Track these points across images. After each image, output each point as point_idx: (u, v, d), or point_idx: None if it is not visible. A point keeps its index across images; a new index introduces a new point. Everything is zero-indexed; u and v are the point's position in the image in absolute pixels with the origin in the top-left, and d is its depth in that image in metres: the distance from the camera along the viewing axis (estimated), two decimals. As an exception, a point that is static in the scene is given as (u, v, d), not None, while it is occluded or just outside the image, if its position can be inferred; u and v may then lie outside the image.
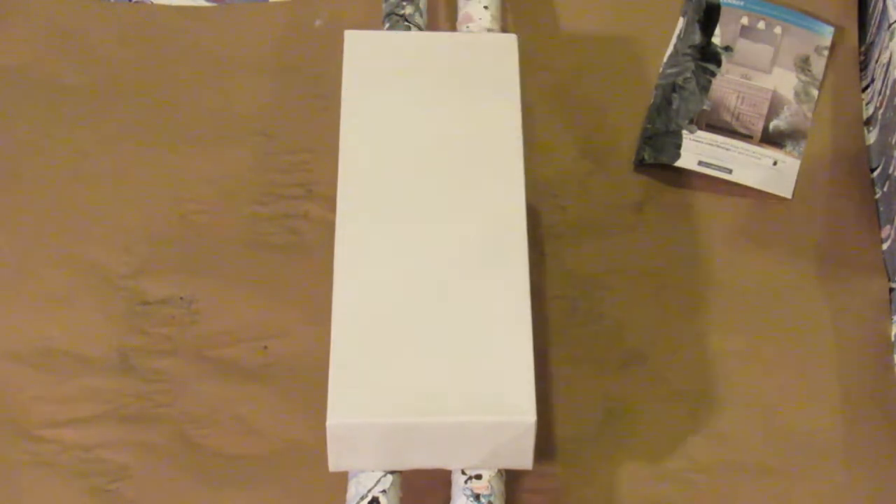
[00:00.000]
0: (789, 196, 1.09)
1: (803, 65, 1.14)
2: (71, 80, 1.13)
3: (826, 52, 1.15)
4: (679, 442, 0.98)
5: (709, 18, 1.16)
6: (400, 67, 1.00)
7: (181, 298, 1.03)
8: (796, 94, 1.13)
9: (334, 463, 0.88)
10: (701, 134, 1.11)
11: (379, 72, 0.99)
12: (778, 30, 1.16)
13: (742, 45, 1.15)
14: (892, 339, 1.03)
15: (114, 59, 1.14)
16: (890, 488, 0.96)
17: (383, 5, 1.09)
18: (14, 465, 0.96)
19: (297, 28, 1.16)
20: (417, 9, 1.08)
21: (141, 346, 1.01)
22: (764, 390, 1.00)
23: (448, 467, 0.89)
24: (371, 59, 1.00)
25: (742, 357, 1.02)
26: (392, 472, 0.89)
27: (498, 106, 0.98)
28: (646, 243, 1.07)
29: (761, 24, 1.16)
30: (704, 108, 1.12)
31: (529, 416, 0.86)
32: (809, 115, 1.12)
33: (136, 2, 1.17)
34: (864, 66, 1.16)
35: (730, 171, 1.09)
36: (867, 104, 1.14)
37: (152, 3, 1.18)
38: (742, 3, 1.17)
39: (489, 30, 1.07)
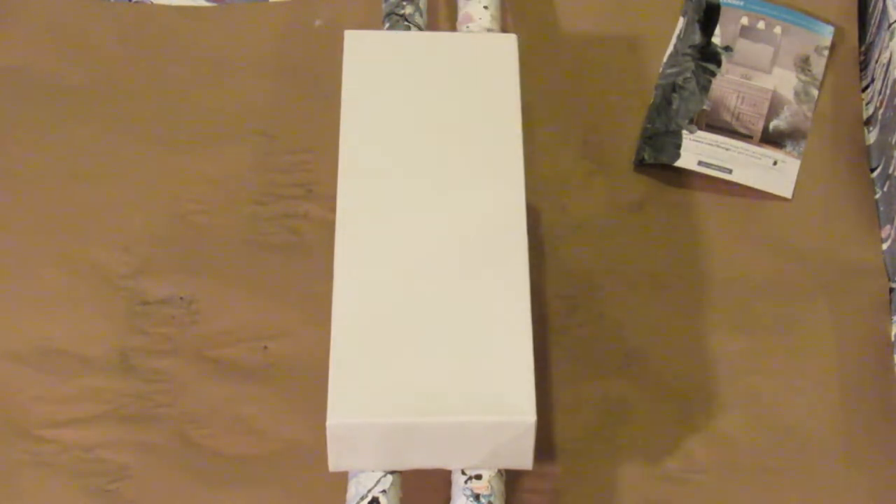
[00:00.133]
0: (789, 196, 1.09)
1: (803, 65, 1.14)
2: (71, 80, 1.13)
3: (826, 52, 1.15)
4: (679, 442, 0.98)
5: (709, 18, 1.16)
6: (400, 67, 1.00)
7: (181, 298, 1.03)
8: (796, 94, 1.13)
9: (334, 463, 0.88)
10: (701, 134, 1.11)
11: (379, 72, 0.99)
12: (778, 30, 1.16)
13: (742, 45, 1.15)
14: (892, 339, 1.03)
15: (114, 59, 1.14)
16: (890, 488, 0.96)
17: (383, 5, 1.09)
18: (14, 465, 0.96)
19: (297, 28, 1.16)
20: (417, 9, 1.08)
21: (141, 346, 1.01)
22: (764, 390, 1.00)
23: (448, 467, 0.89)
24: (371, 59, 1.00)
25: (742, 357, 1.02)
26: (392, 472, 0.89)
27: (498, 106, 0.98)
28: (646, 243, 1.07)
29: (761, 24, 1.16)
30: (704, 108, 1.12)
31: (529, 416, 0.86)
32: (809, 115, 1.12)
33: (136, 2, 1.17)
34: (864, 66, 1.16)
35: (730, 171, 1.09)
36: (867, 104, 1.14)
37: (152, 3, 1.18)
38: (742, 3, 1.17)
39: (489, 30, 1.07)
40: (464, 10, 1.08)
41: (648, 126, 1.11)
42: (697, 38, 1.15)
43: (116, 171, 1.09)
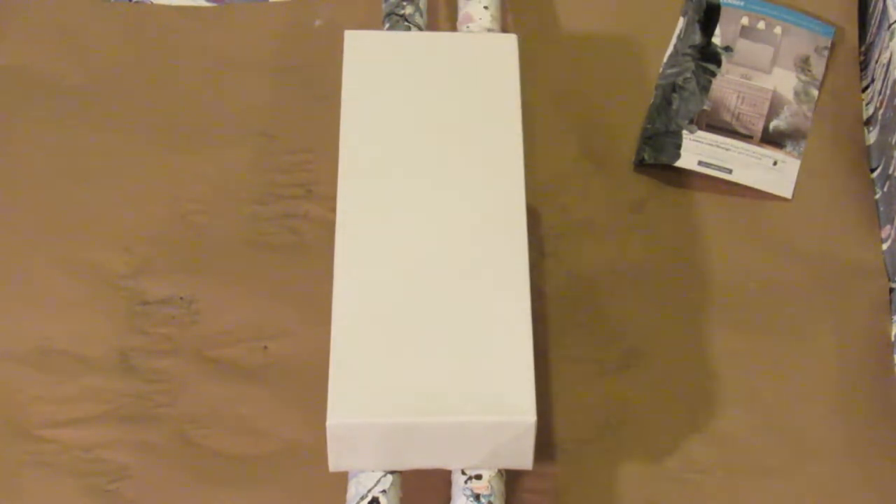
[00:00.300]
0: (789, 196, 1.09)
1: (803, 65, 1.14)
2: (71, 80, 1.13)
3: (826, 52, 1.15)
4: (679, 442, 0.98)
5: (709, 18, 1.16)
6: (400, 67, 1.00)
7: (181, 298, 1.03)
8: (796, 94, 1.13)
9: (334, 463, 0.88)
10: (701, 134, 1.11)
11: (379, 72, 0.99)
12: (778, 30, 1.16)
13: (742, 45, 1.15)
14: (892, 339, 1.03)
15: (114, 59, 1.14)
16: (890, 488, 0.96)
17: (383, 5, 1.09)
18: (14, 465, 0.96)
19: (297, 28, 1.16)
20: (417, 9, 1.08)
21: (141, 346, 1.01)
22: (764, 390, 1.00)
23: (448, 467, 0.89)
24: (371, 59, 1.00)
25: (742, 357, 1.02)
26: (392, 472, 0.89)
27: (498, 106, 0.98)
28: (646, 243, 1.07)
29: (761, 24, 1.16)
30: (704, 108, 1.12)
31: (529, 416, 0.86)
32: (809, 115, 1.12)
33: (136, 2, 1.17)
34: (864, 66, 1.16)
35: (730, 171, 1.09)
36: (867, 104, 1.14)
37: (152, 3, 1.18)
38: (742, 3, 1.17)
39: (489, 30, 1.07)
40: (464, 10, 1.08)
41: (648, 126, 1.11)
42: (697, 38, 1.15)
43: (116, 171, 1.09)
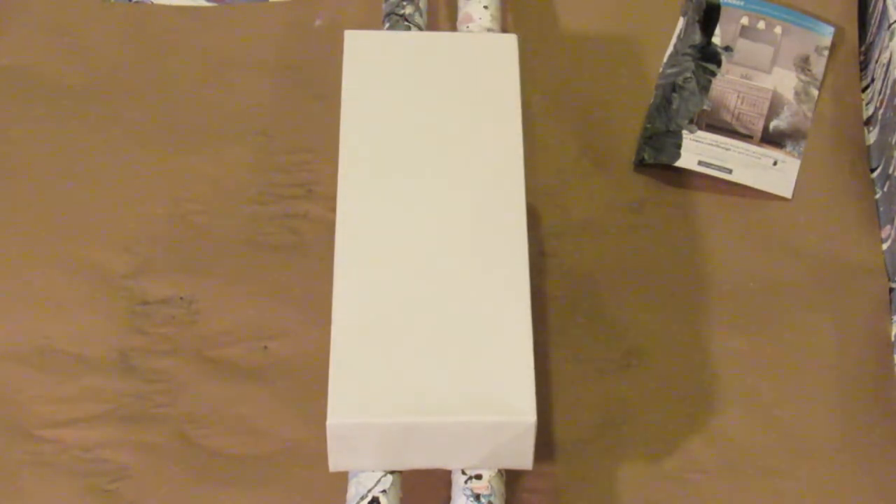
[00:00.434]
0: (789, 196, 1.09)
1: (803, 65, 1.14)
2: (71, 80, 1.13)
3: (826, 52, 1.15)
4: (679, 442, 0.98)
5: (709, 18, 1.16)
6: (400, 67, 1.00)
7: (181, 298, 1.03)
8: (796, 94, 1.13)
9: (334, 463, 0.88)
10: (701, 134, 1.11)
11: (379, 72, 0.99)
12: (778, 30, 1.16)
13: (742, 45, 1.15)
14: (892, 339, 1.03)
15: (114, 59, 1.14)
16: (890, 488, 0.96)
17: (383, 5, 1.09)
18: (14, 465, 0.96)
19: (297, 28, 1.16)
20: (417, 9, 1.08)
21: (141, 346, 1.01)
22: (764, 390, 1.00)
23: (448, 467, 0.89)
24: (371, 59, 1.00)
25: (742, 357, 1.02)
26: (392, 472, 0.89)
27: (498, 106, 0.98)
28: (646, 243, 1.07)
29: (761, 24, 1.16)
30: (704, 108, 1.12)
31: (529, 417, 0.86)
32: (809, 115, 1.12)
33: (136, 2, 1.17)
34: (864, 66, 1.16)
35: (730, 171, 1.09)
36: (867, 104, 1.14)
37: (152, 3, 1.18)
38: (742, 3, 1.17)
39: (489, 30, 1.07)
40: (464, 10, 1.08)
41: (648, 126, 1.11)
42: (697, 38, 1.15)
43: (116, 171, 1.09)
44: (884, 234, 1.07)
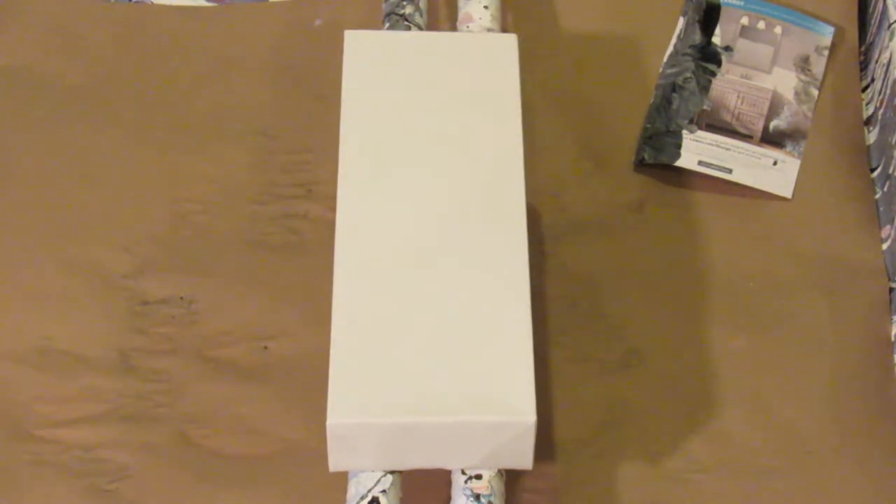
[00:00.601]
0: (789, 196, 1.09)
1: (803, 65, 1.14)
2: (71, 80, 1.13)
3: (826, 52, 1.15)
4: (679, 442, 0.98)
5: (709, 18, 1.16)
6: (400, 67, 1.00)
7: (181, 298, 1.03)
8: (796, 94, 1.13)
9: (334, 463, 0.88)
10: (701, 134, 1.11)
11: (379, 72, 0.99)
12: (778, 30, 1.16)
13: (742, 45, 1.15)
14: (892, 339, 1.03)
15: (114, 59, 1.14)
16: (890, 488, 0.96)
17: (383, 5, 1.09)
18: (14, 465, 0.96)
19: (297, 28, 1.16)
20: (417, 9, 1.08)
21: (141, 346, 1.01)
22: (764, 390, 1.00)
23: (448, 467, 0.89)
24: (371, 59, 1.00)
25: (742, 357, 1.02)
26: (392, 472, 0.89)
27: (498, 106, 0.98)
28: (646, 243, 1.07)
29: (761, 24, 1.16)
30: (704, 107, 1.12)
31: (529, 416, 0.86)
32: (809, 115, 1.12)
33: (136, 2, 1.17)
34: (864, 66, 1.16)
35: (730, 171, 1.09)
36: (867, 104, 1.14)
37: (152, 3, 1.18)
38: (742, 3, 1.17)
39: (489, 30, 1.07)
40: (464, 10, 1.08)
41: (648, 126, 1.11)
42: (697, 38, 1.15)
43: (116, 171, 1.09)
44: (884, 234, 1.07)
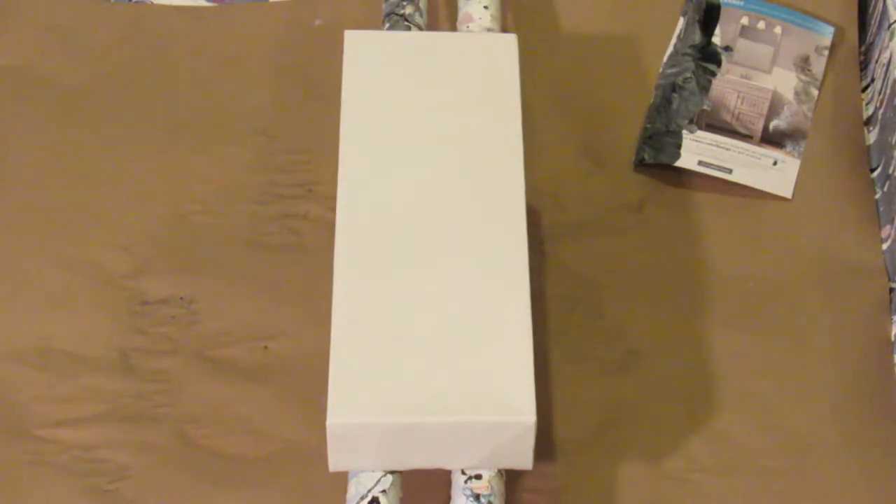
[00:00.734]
0: (789, 196, 1.09)
1: (803, 65, 1.14)
2: (71, 80, 1.13)
3: (826, 52, 1.15)
4: (679, 442, 0.98)
5: (709, 18, 1.16)
6: (400, 67, 1.00)
7: (181, 298, 1.03)
8: (796, 94, 1.13)
9: (334, 463, 0.88)
10: (701, 134, 1.11)
11: (379, 72, 0.99)
12: (778, 30, 1.16)
13: (742, 45, 1.15)
14: (892, 339, 1.03)
15: (114, 59, 1.14)
16: (890, 488, 0.96)
17: (383, 5, 1.09)
18: (14, 465, 0.96)
19: (297, 28, 1.16)
20: (417, 9, 1.08)
21: (141, 346, 1.01)
22: (764, 390, 1.00)
23: (448, 467, 0.89)
24: (371, 59, 1.00)
25: (742, 357, 1.02)
26: (392, 472, 0.89)
27: (498, 106, 0.98)
28: (646, 243, 1.07)
29: (761, 24, 1.16)
30: (704, 108, 1.12)
31: (529, 417, 0.86)
32: (809, 115, 1.12)
33: (136, 2, 1.17)
34: (864, 66, 1.16)
35: (730, 171, 1.09)
36: (867, 104, 1.14)
37: (152, 3, 1.18)
38: (742, 3, 1.17)
39: (489, 30, 1.07)
40: (464, 10, 1.08)
41: (648, 126, 1.11)
42: (697, 38, 1.15)
43: (116, 171, 1.09)
44: (884, 234, 1.07)
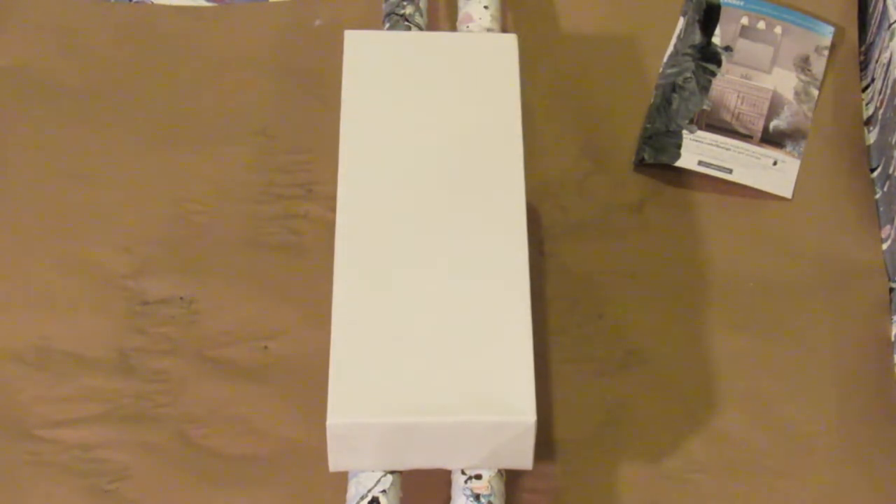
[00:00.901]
0: (789, 196, 1.09)
1: (803, 65, 1.14)
2: (71, 80, 1.13)
3: (826, 52, 1.15)
4: (679, 442, 0.98)
5: (709, 18, 1.16)
6: (400, 67, 1.00)
7: (181, 298, 1.03)
8: (796, 94, 1.13)
9: (334, 463, 0.88)
10: (701, 134, 1.11)
11: (379, 72, 0.99)
12: (778, 30, 1.16)
13: (742, 45, 1.15)
14: (892, 339, 1.03)
15: (114, 59, 1.14)
16: (890, 488, 0.96)
17: (383, 5, 1.09)
18: (14, 465, 0.96)
19: (297, 28, 1.16)
20: (417, 9, 1.08)
21: (141, 346, 1.01)
22: (764, 390, 1.00)
23: (448, 467, 0.89)
24: (371, 59, 1.00)
25: (742, 357, 1.02)
26: (392, 472, 0.89)
27: (498, 106, 0.98)
28: (646, 243, 1.07)
29: (761, 24, 1.16)
30: (704, 108, 1.12)
31: (529, 416, 0.86)
32: (809, 115, 1.12)
33: (136, 2, 1.17)
34: (864, 66, 1.16)
35: (730, 171, 1.09)
36: (867, 104, 1.14)
37: (152, 3, 1.18)
38: (742, 3, 1.17)
39: (489, 30, 1.07)
40: (464, 10, 1.08)
41: (648, 126, 1.11)
42: (697, 38, 1.15)
43: (116, 171, 1.09)
44: (884, 234, 1.07)
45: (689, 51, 1.14)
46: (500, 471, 0.90)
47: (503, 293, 0.90)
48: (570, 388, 1.00)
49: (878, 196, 1.09)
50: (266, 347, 1.02)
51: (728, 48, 1.15)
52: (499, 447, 0.88)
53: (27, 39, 1.15)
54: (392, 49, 1.01)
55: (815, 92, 1.14)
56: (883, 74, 1.11)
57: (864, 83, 1.15)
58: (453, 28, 1.16)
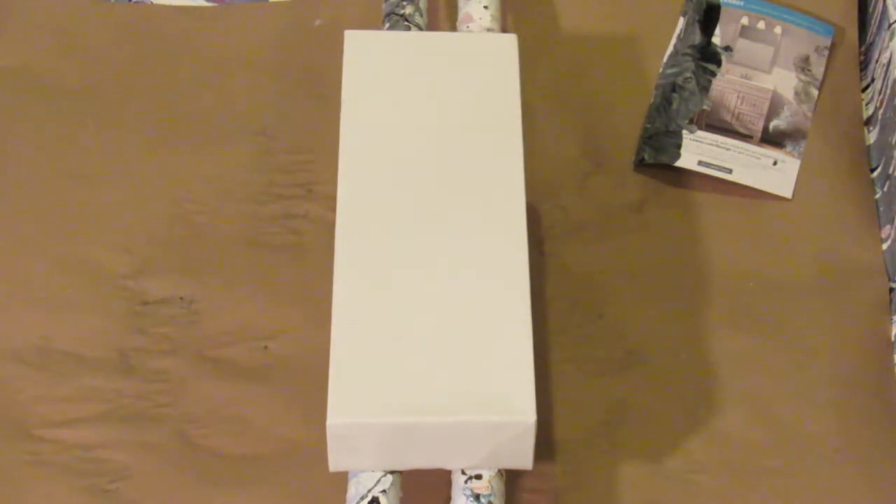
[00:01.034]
0: (789, 196, 1.09)
1: (803, 65, 1.14)
2: (71, 80, 1.13)
3: (826, 52, 1.15)
4: (679, 442, 0.98)
5: (709, 18, 1.16)
6: (400, 67, 1.00)
7: (181, 298, 1.03)
8: (796, 94, 1.13)
9: (334, 463, 0.88)
10: (701, 134, 1.11)
11: (379, 72, 0.99)
12: (778, 30, 1.16)
13: (742, 45, 1.15)
14: (892, 339, 1.03)
15: (114, 59, 1.14)
16: (890, 488, 0.96)
17: (383, 5, 1.09)
18: (14, 465, 0.96)
19: (297, 28, 1.16)
20: (417, 9, 1.08)
21: (141, 346, 1.01)
22: (764, 390, 1.00)
23: (448, 467, 0.89)
24: (371, 59, 1.00)
25: (742, 357, 1.02)
26: (392, 472, 0.89)
27: (498, 106, 0.98)
28: (646, 243, 1.07)
29: (761, 24, 1.16)
30: (704, 108, 1.12)
31: (529, 416, 0.86)
32: (809, 115, 1.12)
33: (136, 2, 1.17)
34: (864, 66, 1.16)
35: (730, 171, 1.09)
36: (867, 104, 1.14)
37: (152, 3, 1.18)
38: (742, 3, 1.17)
39: (489, 30, 1.07)
40: (464, 10, 1.08)
41: (648, 126, 1.11)
42: (697, 38, 1.15)
43: (116, 171, 1.09)
44: (884, 234, 1.07)
45: (689, 51, 1.14)
46: (500, 471, 0.90)
47: (503, 293, 0.90)
48: (570, 388, 1.00)
49: (878, 196, 1.09)
50: (266, 347, 1.02)
51: (728, 48, 1.15)
52: (499, 447, 0.88)
53: (27, 39, 1.15)
54: (392, 49, 1.01)
55: (815, 92, 1.14)
56: (883, 74, 1.11)
57: (864, 83, 1.15)
58: (453, 28, 1.16)
